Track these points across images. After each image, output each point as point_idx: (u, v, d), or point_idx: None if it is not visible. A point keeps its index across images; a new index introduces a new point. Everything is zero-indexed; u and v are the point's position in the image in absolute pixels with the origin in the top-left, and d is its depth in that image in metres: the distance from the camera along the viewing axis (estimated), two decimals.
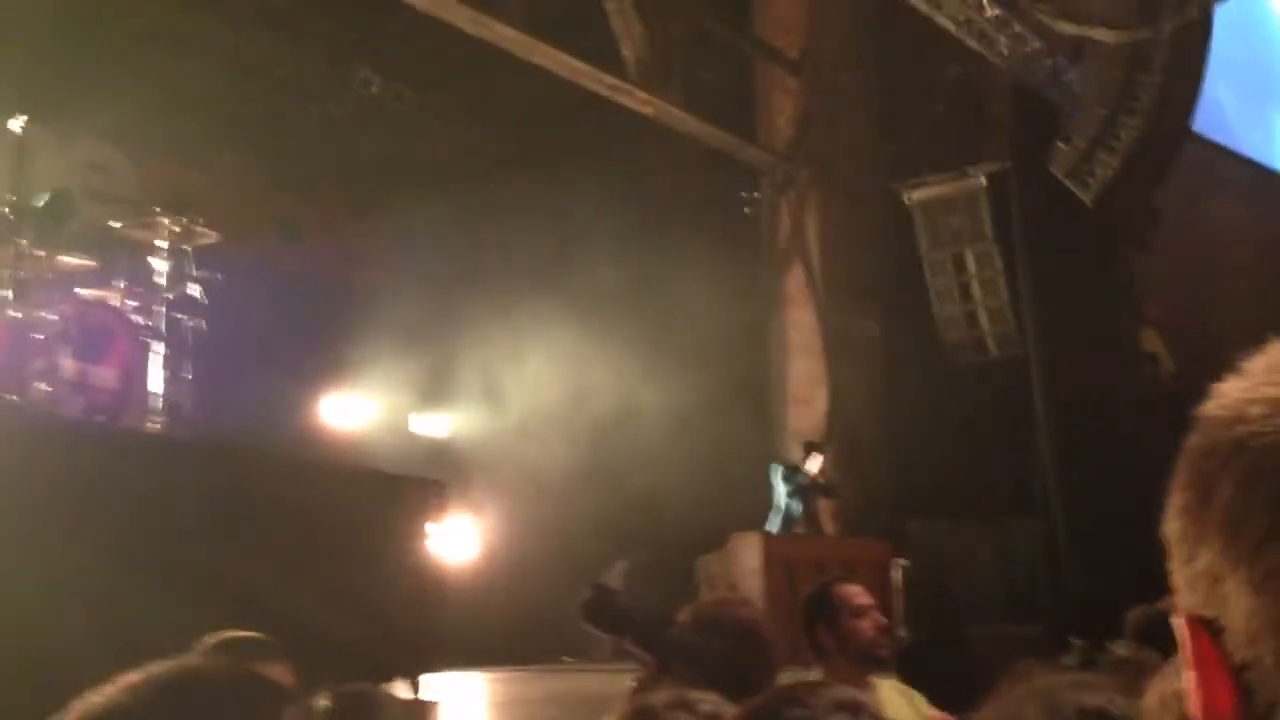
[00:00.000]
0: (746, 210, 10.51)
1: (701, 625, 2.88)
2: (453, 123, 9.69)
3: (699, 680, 2.06)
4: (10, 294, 5.67)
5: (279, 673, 3.12)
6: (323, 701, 1.83)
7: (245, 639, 3.20)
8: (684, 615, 2.96)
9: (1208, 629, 0.72)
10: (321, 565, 5.26)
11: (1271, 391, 0.72)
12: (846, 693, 1.49)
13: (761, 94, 11.89)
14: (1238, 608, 0.69)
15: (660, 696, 1.76)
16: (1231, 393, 0.74)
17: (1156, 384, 9.76)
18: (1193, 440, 0.76)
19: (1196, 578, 0.73)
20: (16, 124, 5.97)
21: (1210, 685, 0.71)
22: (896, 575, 8.89)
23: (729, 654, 2.65)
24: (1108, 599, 4.52)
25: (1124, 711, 1.90)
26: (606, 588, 3.30)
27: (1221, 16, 9.38)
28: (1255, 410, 0.72)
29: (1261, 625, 0.68)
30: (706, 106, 10.85)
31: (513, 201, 9.40)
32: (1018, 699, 1.87)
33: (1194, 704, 0.72)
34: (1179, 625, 0.74)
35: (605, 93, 9.97)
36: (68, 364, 5.66)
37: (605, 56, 10.06)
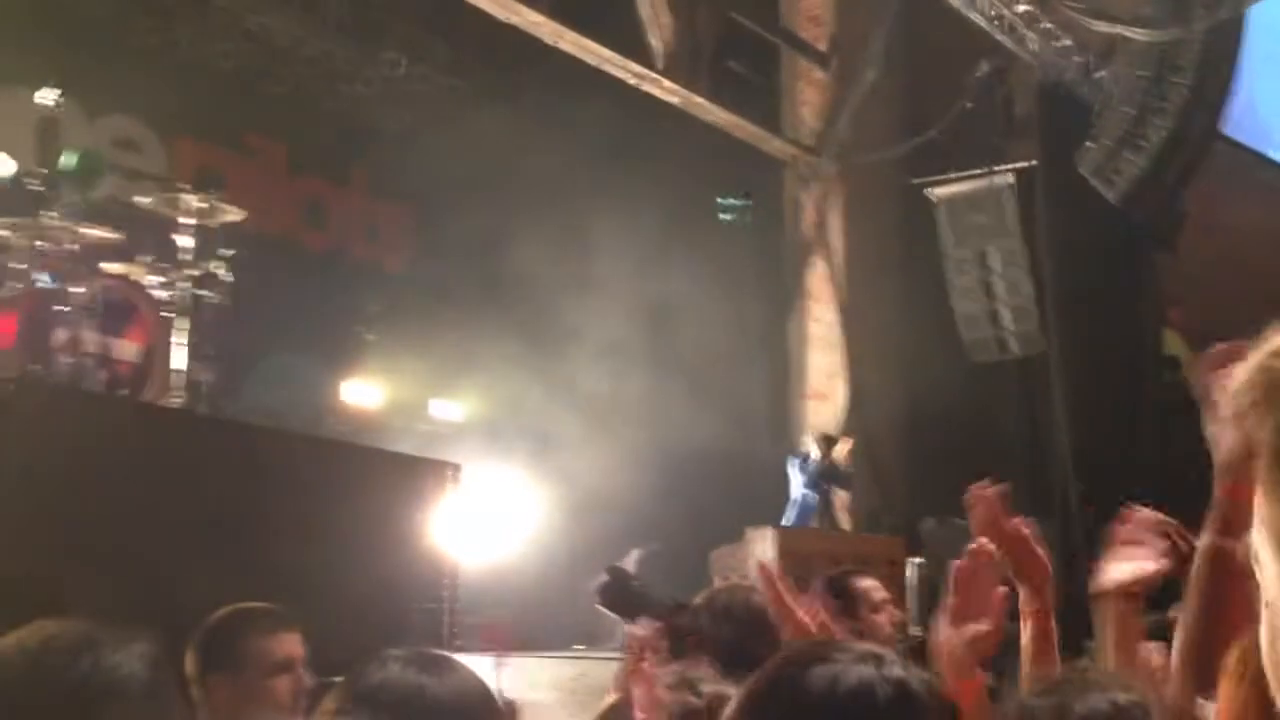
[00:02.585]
0: (737, 206, 10.43)
1: (714, 611, 2.89)
2: (479, 106, 9.69)
3: (712, 666, 2.07)
4: (37, 266, 5.70)
5: (291, 643, 3.15)
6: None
7: (259, 609, 3.23)
8: (697, 601, 2.97)
9: None
10: (336, 544, 5.29)
11: None
12: (867, 646, 1.48)
13: (788, 86, 11.84)
14: None
15: (663, 676, 1.77)
16: None
17: (1178, 387, 9.70)
18: None
19: None
20: (47, 97, 6.00)
21: None
22: (911, 573, 8.87)
23: (740, 639, 2.66)
24: None
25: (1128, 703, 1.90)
26: (622, 571, 3.31)
27: (1256, 16, 9.30)
28: None
29: None
30: (733, 97, 10.82)
31: (536, 190, 9.40)
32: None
33: None
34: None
35: (632, 81, 9.95)
36: (91, 337, 5.70)
37: (632, 45, 10.04)
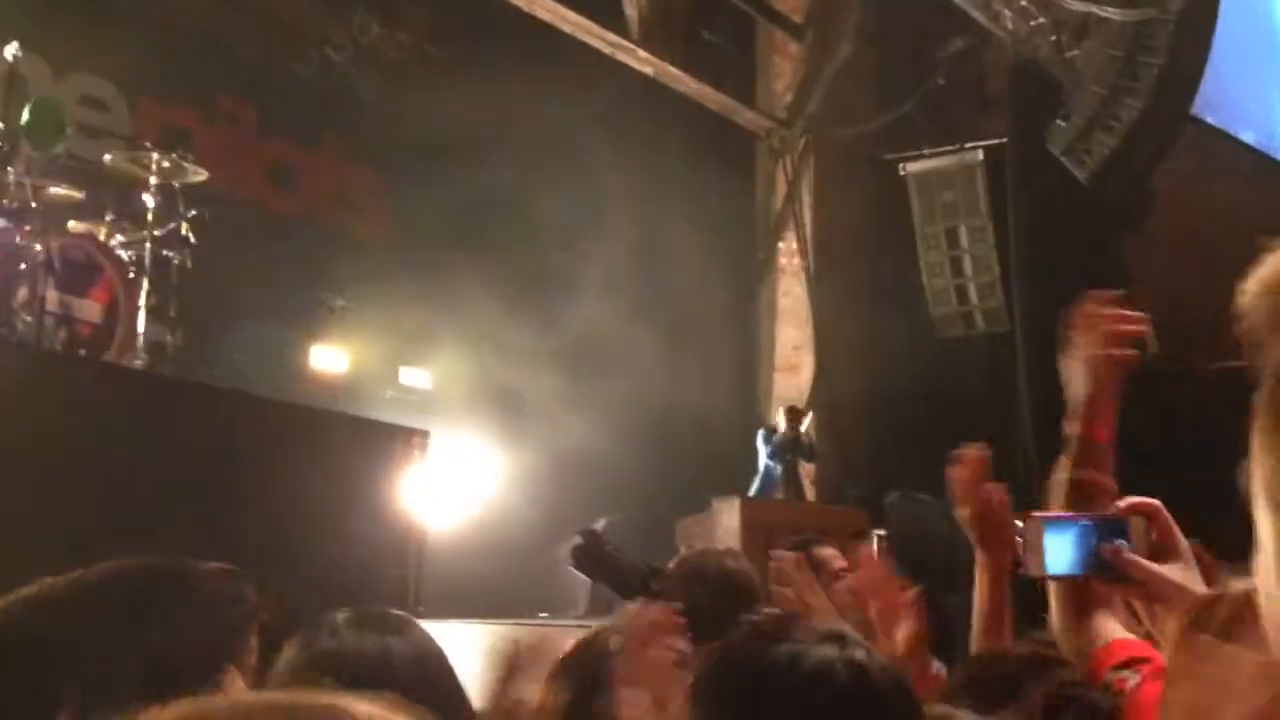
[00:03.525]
0: None
1: (686, 575, 2.89)
2: (452, 73, 9.60)
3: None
4: None
5: None
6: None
7: (215, 569, 3.22)
8: (670, 565, 2.97)
9: None
10: (302, 509, 5.26)
11: None
12: (829, 624, 1.49)
13: (762, 58, 11.81)
14: None
15: (615, 638, 1.77)
16: None
17: (1140, 365, 9.78)
18: None
19: None
20: (9, 51, 5.89)
21: None
22: (874, 545, 8.93)
23: (713, 604, 2.66)
24: None
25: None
26: (595, 533, 3.31)
27: None
28: None
29: None
30: (707, 69, 10.78)
31: (508, 158, 9.33)
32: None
33: None
34: None
35: (607, 50, 9.90)
36: (52, 296, 5.63)
37: (608, 14, 9.97)
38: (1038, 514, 1.59)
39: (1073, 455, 1.78)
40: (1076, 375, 1.82)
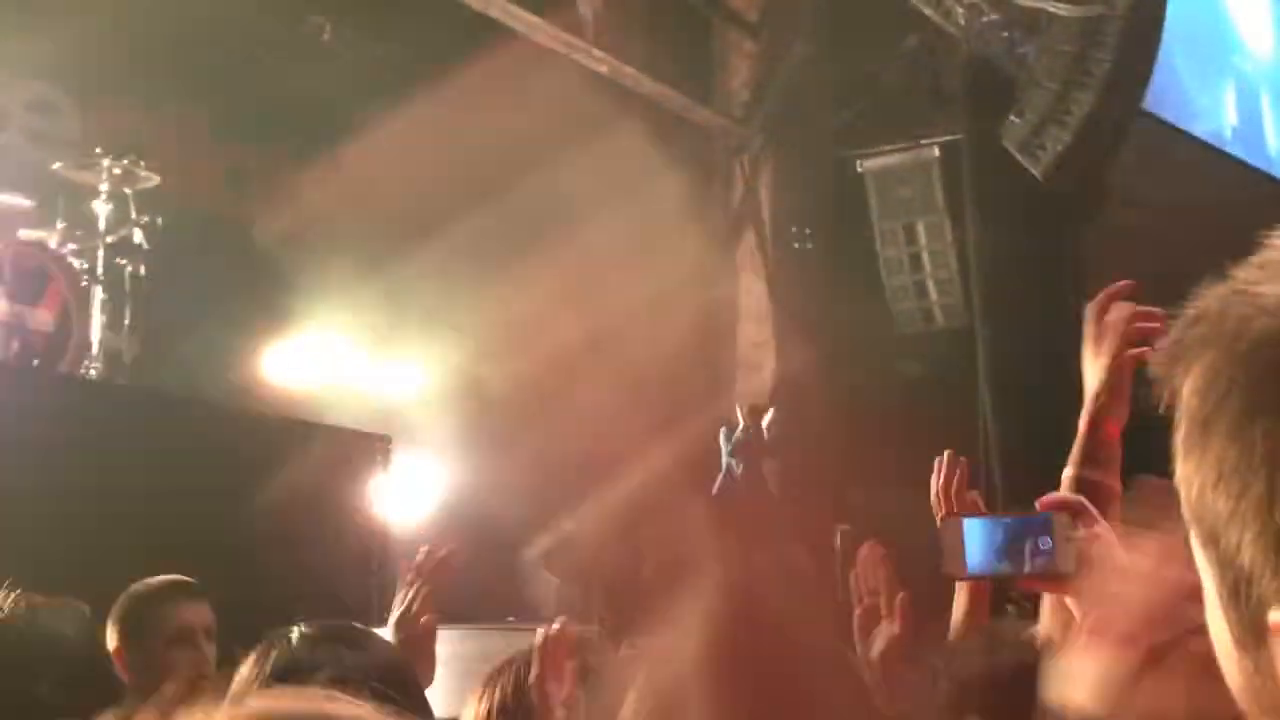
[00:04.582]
0: None
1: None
2: (404, 74, 9.54)
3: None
4: None
5: (194, 614, 3.14)
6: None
7: (167, 581, 3.21)
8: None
9: None
10: (262, 518, 5.21)
11: None
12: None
13: (719, 56, 11.83)
14: None
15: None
16: None
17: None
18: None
19: None
20: None
21: None
22: (838, 541, 8.97)
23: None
24: None
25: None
26: (567, 535, 3.27)
27: None
28: None
29: None
30: (664, 68, 10.77)
31: (465, 154, 9.28)
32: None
33: None
34: None
35: (561, 49, 9.87)
36: (2, 306, 5.54)
37: (564, 13, 9.93)
38: (959, 514, 1.60)
39: (1081, 451, 1.77)
40: (1091, 370, 1.81)
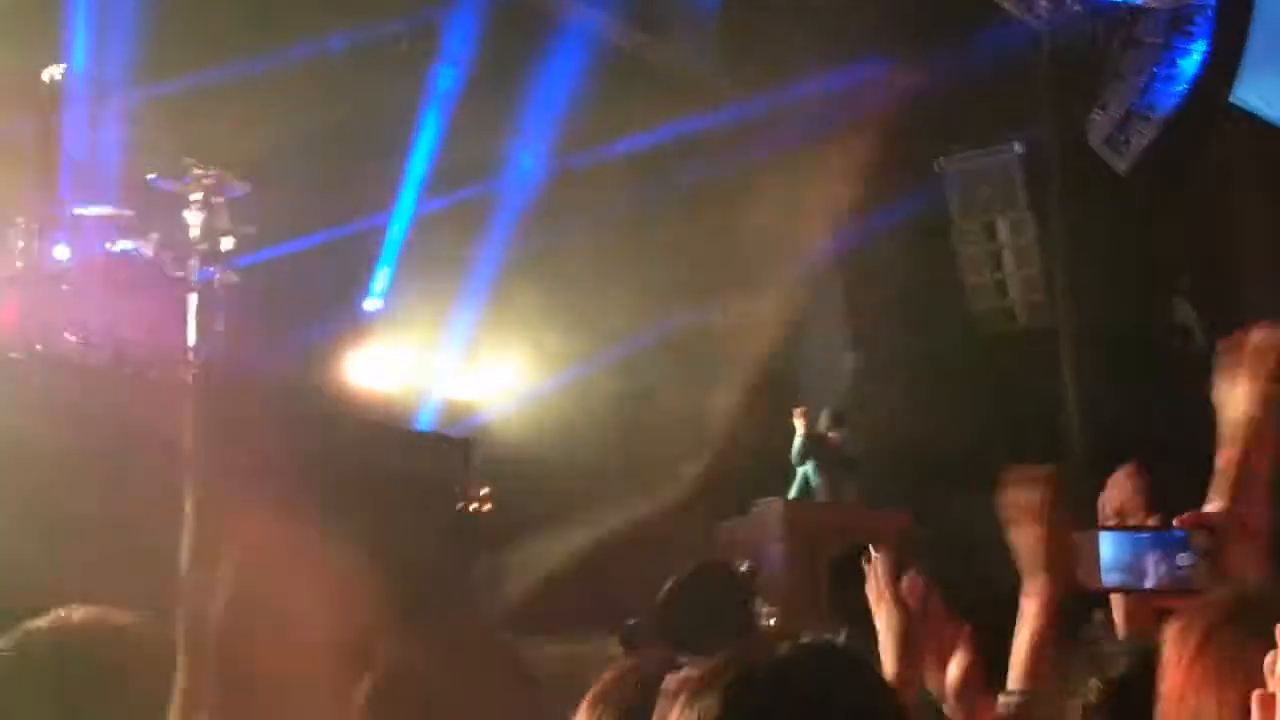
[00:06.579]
0: None
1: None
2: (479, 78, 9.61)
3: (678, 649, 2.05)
4: (45, 243, 5.71)
5: None
6: None
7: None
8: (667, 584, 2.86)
9: None
10: (351, 521, 5.31)
11: None
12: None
13: None
14: None
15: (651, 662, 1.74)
16: None
17: (1189, 355, 9.68)
18: None
19: None
20: (53, 73, 5.99)
21: None
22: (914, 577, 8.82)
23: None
24: None
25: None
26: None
27: None
28: None
29: None
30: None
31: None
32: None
33: None
34: None
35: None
36: (97, 314, 5.70)
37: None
38: (1099, 528, 1.59)
39: (1229, 486, 1.70)
40: (1233, 400, 1.73)
